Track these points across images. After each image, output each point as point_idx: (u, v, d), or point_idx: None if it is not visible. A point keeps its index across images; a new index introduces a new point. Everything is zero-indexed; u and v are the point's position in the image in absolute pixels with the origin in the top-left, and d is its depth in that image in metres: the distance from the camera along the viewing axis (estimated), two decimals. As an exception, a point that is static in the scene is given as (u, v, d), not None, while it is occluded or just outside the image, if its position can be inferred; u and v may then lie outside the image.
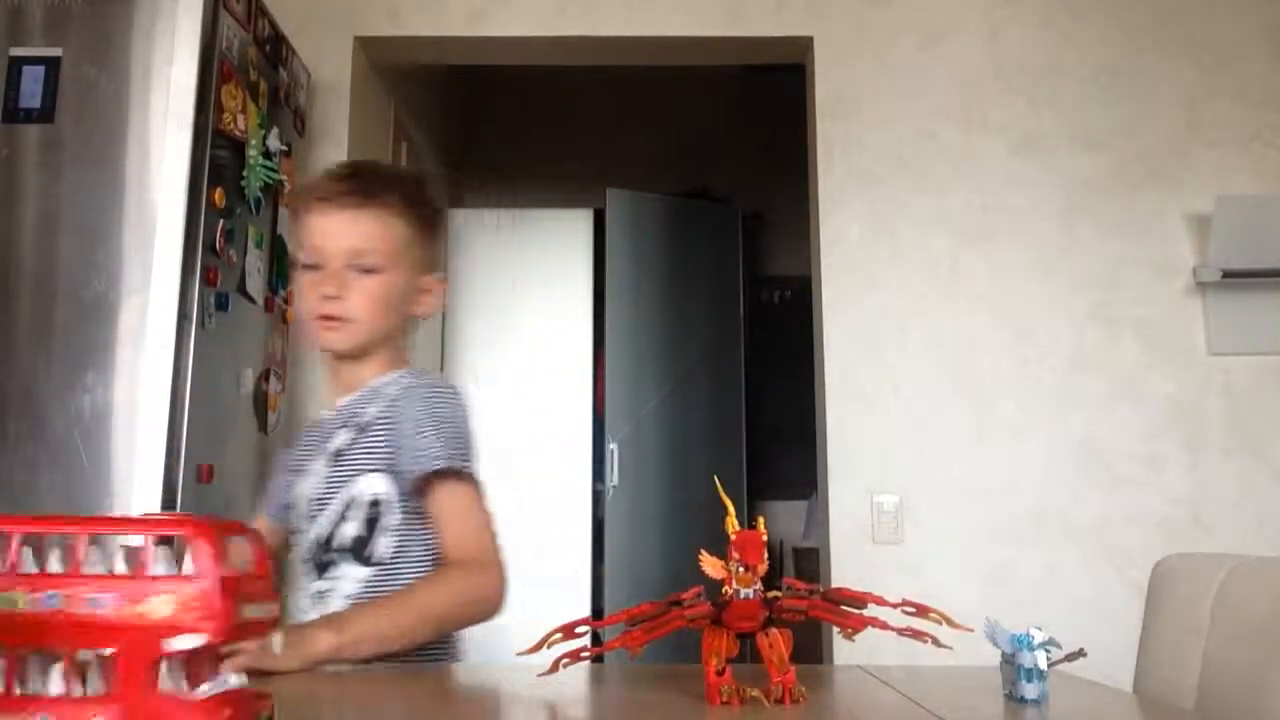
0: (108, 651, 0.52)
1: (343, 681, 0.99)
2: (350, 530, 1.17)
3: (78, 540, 0.53)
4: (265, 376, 2.17)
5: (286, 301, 2.30)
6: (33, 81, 1.85)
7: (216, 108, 1.92)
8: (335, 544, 1.18)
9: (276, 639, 0.64)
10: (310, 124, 2.61)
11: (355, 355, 1.23)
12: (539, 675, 0.86)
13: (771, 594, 0.84)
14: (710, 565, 0.83)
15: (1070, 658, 0.96)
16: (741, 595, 0.81)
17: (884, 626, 0.87)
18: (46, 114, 1.85)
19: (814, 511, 4.21)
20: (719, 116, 4.92)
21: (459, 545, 1.15)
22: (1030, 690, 0.88)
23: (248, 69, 2.07)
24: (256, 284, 2.11)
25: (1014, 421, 2.53)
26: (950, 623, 0.86)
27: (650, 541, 3.86)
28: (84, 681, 0.52)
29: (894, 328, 2.57)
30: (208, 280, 1.88)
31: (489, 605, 1.12)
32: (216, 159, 1.92)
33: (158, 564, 0.52)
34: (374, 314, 1.20)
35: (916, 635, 0.88)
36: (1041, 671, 0.88)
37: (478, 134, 4.89)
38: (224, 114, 1.95)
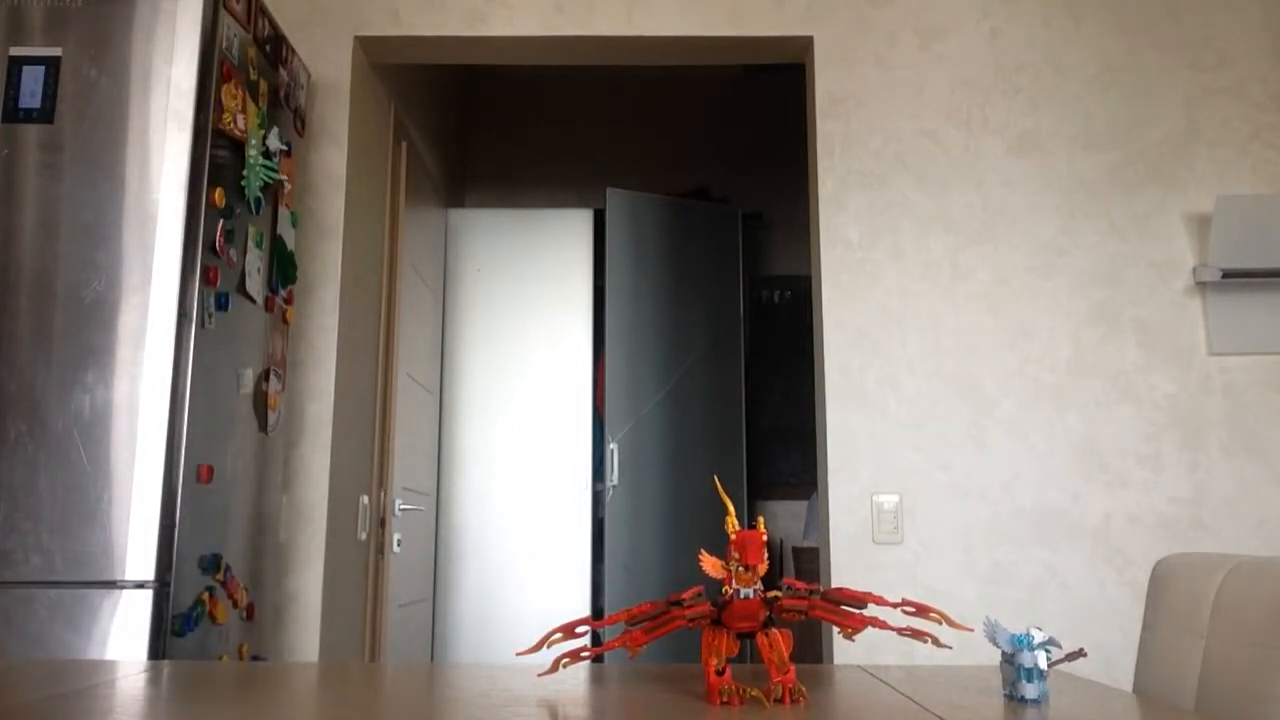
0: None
1: (344, 678, 0.99)
2: None
3: None
4: (265, 376, 2.17)
5: (287, 301, 2.30)
6: (33, 81, 1.86)
7: (216, 107, 1.92)
8: None
9: None
10: (310, 124, 2.61)
11: None
12: (539, 675, 0.86)
13: (771, 594, 0.84)
14: (710, 565, 0.83)
15: (1070, 658, 0.96)
16: (741, 595, 0.81)
17: (884, 626, 0.87)
18: (46, 114, 1.85)
19: (814, 511, 4.21)
20: (719, 116, 4.93)
21: None
22: (1030, 690, 0.88)
23: (248, 69, 2.07)
24: (256, 284, 2.11)
25: (1014, 421, 2.53)
26: (950, 623, 0.86)
27: (650, 541, 3.86)
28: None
29: (894, 328, 2.57)
30: (208, 280, 1.88)
31: None
32: (216, 159, 1.93)
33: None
34: None
35: (916, 635, 0.88)
36: (1041, 671, 0.88)
37: (478, 134, 4.89)
38: (224, 114, 1.95)
